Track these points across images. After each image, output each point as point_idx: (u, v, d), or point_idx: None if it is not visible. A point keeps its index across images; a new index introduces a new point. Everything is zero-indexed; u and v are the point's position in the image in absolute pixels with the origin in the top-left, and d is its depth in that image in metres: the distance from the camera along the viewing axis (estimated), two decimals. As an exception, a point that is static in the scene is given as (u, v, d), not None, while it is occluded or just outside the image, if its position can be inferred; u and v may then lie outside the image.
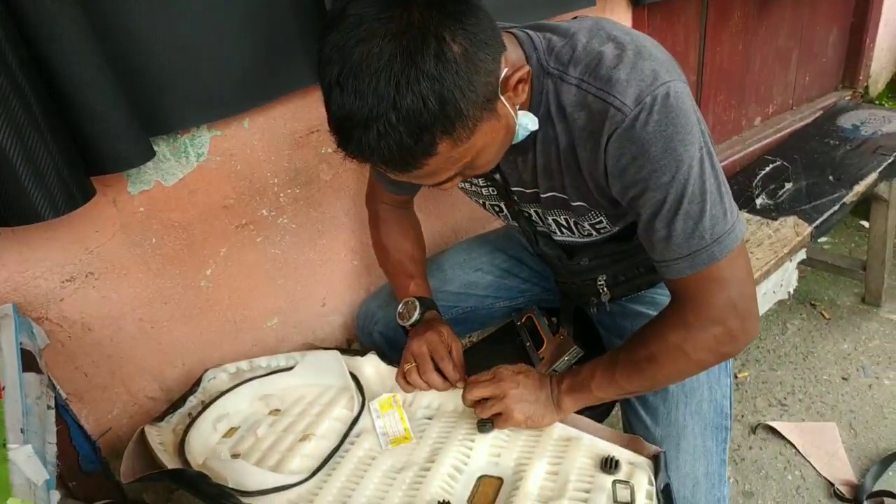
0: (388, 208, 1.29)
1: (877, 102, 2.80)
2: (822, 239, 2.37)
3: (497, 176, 1.01)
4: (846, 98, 2.58)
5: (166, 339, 1.29)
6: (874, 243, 2.07)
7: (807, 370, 2.01)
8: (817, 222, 1.64)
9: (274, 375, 1.15)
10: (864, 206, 2.04)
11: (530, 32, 0.87)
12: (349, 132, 0.72)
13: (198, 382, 1.17)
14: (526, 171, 0.97)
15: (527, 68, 0.78)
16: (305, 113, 1.28)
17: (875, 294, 2.18)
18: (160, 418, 1.10)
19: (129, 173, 1.11)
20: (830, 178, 1.82)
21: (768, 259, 1.53)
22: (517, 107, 0.82)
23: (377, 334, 1.34)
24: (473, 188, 1.11)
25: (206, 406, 1.10)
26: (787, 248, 1.56)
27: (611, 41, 0.83)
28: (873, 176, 1.79)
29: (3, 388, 0.83)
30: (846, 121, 2.12)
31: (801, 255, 1.74)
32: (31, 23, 0.85)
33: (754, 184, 1.85)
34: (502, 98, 0.78)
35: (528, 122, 0.85)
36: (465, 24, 0.70)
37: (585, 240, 1.06)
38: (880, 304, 2.20)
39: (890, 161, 1.84)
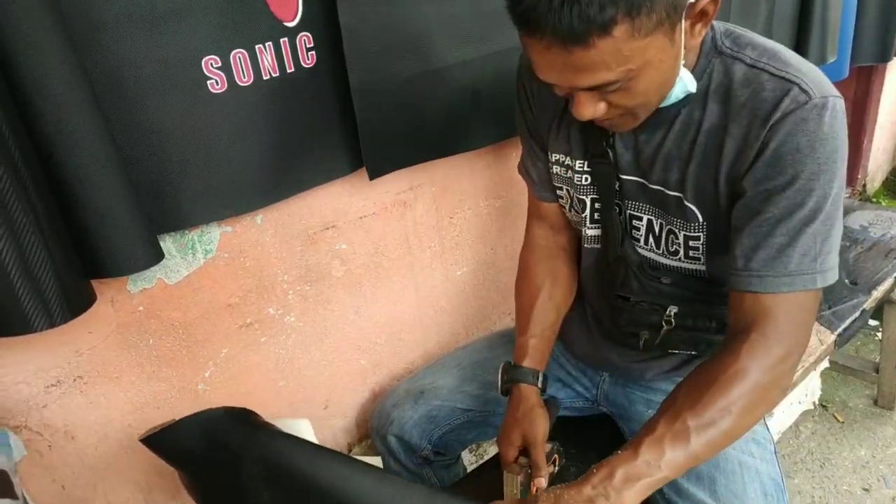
0: (540, 233, 1.17)
1: (873, 200, 2.84)
2: (831, 337, 2.32)
3: (609, 153, 0.95)
4: (846, 196, 2.60)
5: (155, 446, 1.18)
6: (888, 346, 2.02)
7: (825, 479, 1.92)
8: (840, 329, 1.59)
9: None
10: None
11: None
12: None
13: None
14: (644, 154, 0.92)
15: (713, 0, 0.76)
16: (322, 208, 1.23)
17: (888, 398, 2.12)
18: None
19: (131, 272, 1.03)
20: (846, 281, 1.78)
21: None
22: (684, 55, 0.79)
23: (392, 438, 1.23)
24: (567, 171, 1.03)
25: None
26: (812, 356, 1.50)
27: (788, 49, 0.84)
28: (890, 281, 1.76)
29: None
30: (854, 221, 2.11)
31: (825, 363, 1.68)
32: (38, 113, 0.79)
33: (770, 285, 1.81)
34: (683, 23, 0.74)
35: (687, 80, 0.82)
36: None
37: (667, 260, 0.98)
38: (894, 407, 2.13)
39: (904, 265, 1.81)
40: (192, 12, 0.90)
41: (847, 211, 2.20)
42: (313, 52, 1.04)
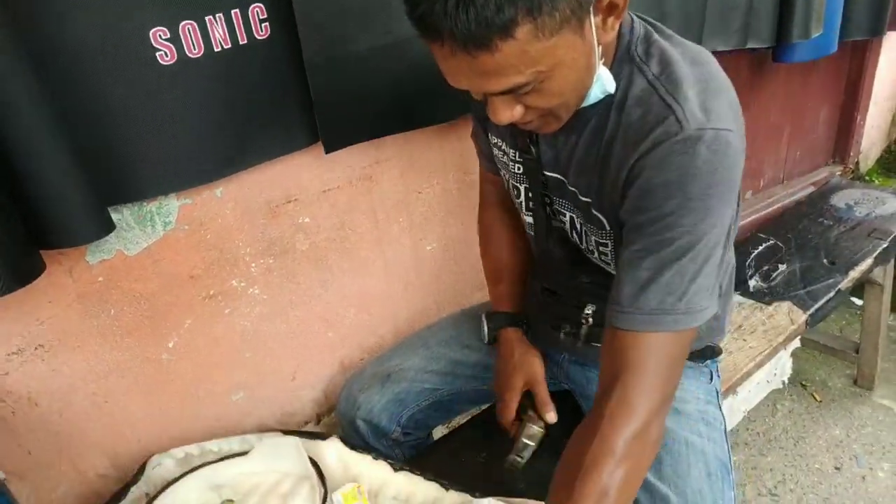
0: (492, 191, 1.20)
1: (867, 178, 2.80)
2: (814, 316, 2.31)
3: (533, 150, 0.93)
4: (837, 173, 2.57)
5: (121, 414, 1.20)
6: (868, 327, 2.02)
7: (798, 457, 1.94)
8: (812, 310, 1.59)
9: (226, 461, 1.07)
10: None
11: (635, 17, 0.82)
12: None
13: (141, 470, 1.07)
14: (563, 154, 0.90)
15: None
16: (283, 181, 1.23)
17: (868, 378, 2.12)
18: (101, 510, 1.01)
19: (87, 243, 1.04)
20: (825, 261, 1.77)
21: (762, 348, 1.46)
22: (601, 53, 0.76)
23: (360, 422, 1.22)
24: (504, 156, 1.02)
25: (151, 499, 1.00)
26: (781, 336, 1.50)
27: (703, 66, 0.79)
28: (868, 262, 1.75)
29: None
30: (840, 200, 2.09)
31: (796, 343, 1.68)
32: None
33: (747, 264, 1.80)
34: (592, 19, 0.71)
35: (605, 79, 0.78)
36: None
37: (588, 256, 0.99)
38: (873, 387, 2.14)
39: (885, 246, 1.80)
40: (137, -18, 0.90)
41: (833, 190, 2.18)
42: (267, 24, 1.03)
